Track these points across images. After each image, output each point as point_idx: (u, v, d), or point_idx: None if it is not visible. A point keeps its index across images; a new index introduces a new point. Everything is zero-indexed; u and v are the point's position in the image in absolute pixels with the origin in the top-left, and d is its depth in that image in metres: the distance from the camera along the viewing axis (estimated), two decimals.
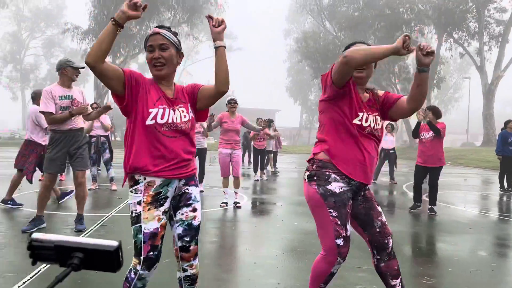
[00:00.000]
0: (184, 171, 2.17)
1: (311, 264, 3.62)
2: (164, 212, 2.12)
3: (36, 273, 3.30)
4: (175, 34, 2.24)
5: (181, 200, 2.18)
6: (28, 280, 3.16)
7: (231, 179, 6.95)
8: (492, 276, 3.70)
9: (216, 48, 2.14)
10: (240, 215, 6.26)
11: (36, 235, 0.86)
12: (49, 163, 4.63)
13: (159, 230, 2.08)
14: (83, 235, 4.68)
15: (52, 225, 5.13)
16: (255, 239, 4.85)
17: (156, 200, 2.09)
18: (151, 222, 2.06)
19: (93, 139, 8.54)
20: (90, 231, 4.85)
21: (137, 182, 2.10)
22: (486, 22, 32.78)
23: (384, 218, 2.45)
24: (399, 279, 2.43)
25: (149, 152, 2.08)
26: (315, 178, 2.35)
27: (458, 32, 33.84)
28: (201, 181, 8.57)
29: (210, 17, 2.12)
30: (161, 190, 2.11)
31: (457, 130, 59.33)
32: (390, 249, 2.42)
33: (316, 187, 2.33)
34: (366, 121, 2.37)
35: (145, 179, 2.09)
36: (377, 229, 2.40)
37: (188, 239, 2.15)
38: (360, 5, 35.66)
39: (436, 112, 6.71)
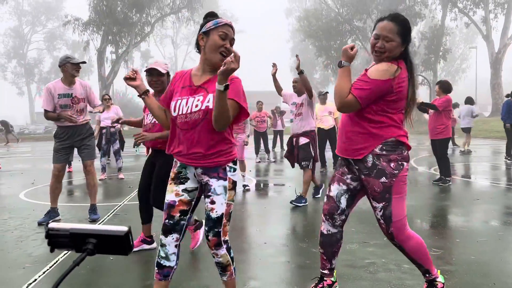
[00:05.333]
0: (198, 162, 2.22)
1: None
2: (186, 190, 2.28)
3: (54, 263, 3.43)
4: None
5: (205, 191, 2.28)
6: (47, 270, 3.29)
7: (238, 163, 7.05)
8: (498, 244, 3.76)
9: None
10: (249, 197, 6.36)
11: (52, 225, 0.94)
12: (54, 154, 4.89)
13: (177, 203, 2.26)
14: (97, 224, 4.81)
15: (67, 216, 5.26)
16: (265, 220, 4.95)
17: (178, 178, 2.30)
18: (170, 194, 2.28)
19: (104, 130, 8.64)
20: (103, 220, 4.97)
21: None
22: None
23: (377, 215, 2.44)
24: (414, 265, 2.57)
25: (173, 142, 2.32)
26: None
27: (463, 1, 33.18)
28: None
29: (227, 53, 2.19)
30: (181, 170, 2.30)
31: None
32: (391, 242, 2.51)
33: None
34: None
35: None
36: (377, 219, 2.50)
37: (207, 228, 2.25)
38: None
39: (443, 87, 7.00)
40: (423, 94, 34.92)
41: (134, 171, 9.80)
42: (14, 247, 3.95)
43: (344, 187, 2.54)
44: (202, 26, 2.26)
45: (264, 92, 53.95)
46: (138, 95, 2.37)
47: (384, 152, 2.36)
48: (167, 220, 2.26)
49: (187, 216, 2.29)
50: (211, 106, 2.14)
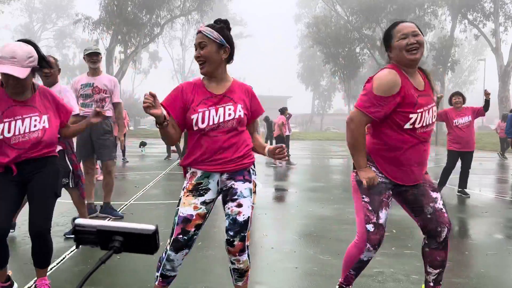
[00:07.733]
0: (225, 166, 2.22)
1: (328, 249, 3.70)
2: (204, 203, 2.21)
3: (54, 266, 3.42)
4: (225, 25, 2.22)
5: (228, 195, 2.25)
6: (54, 266, 3.28)
7: None
8: (508, 258, 3.71)
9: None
10: (256, 202, 6.32)
11: (79, 221, 0.93)
12: (80, 149, 4.80)
13: (194, 217, 2.17)
14: None
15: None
16: (272, 225, 4.92)
17: (196, 190, 2.22)
18: (187, 207, 2.19)
19: None
20: (109, 219, 4.96)
21: (186, 172, 2.31)
22: (502, 2, 31.96)
23: (439, 205, 2.35)
24: (438, 271, 2.43)
25: (197, 150, 2.23)
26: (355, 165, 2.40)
27: (473, 13, 33.09)
28: None
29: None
30: (202, 181, 2.24)
31: None
32: (442, 238, 2.36)
33: (354, 173, 2.40)
34: (420, 120, 2.26)
35: (190, 169, 2.29)
36: (428, 215, 2.35)
37: (232, 233, 2.19)
38: None
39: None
40: None
41: (140, 171, 9.81)
42: (21, 243, 3.94)
43: (388, 210, 2.39)
44: None
45: (269, 97, 54.08)
46: (157, 125, 2.08)
47: None
48: (180, 236, 2.15)
49: (200, 230, 2.23)
50: (242, 116, 2.22)
